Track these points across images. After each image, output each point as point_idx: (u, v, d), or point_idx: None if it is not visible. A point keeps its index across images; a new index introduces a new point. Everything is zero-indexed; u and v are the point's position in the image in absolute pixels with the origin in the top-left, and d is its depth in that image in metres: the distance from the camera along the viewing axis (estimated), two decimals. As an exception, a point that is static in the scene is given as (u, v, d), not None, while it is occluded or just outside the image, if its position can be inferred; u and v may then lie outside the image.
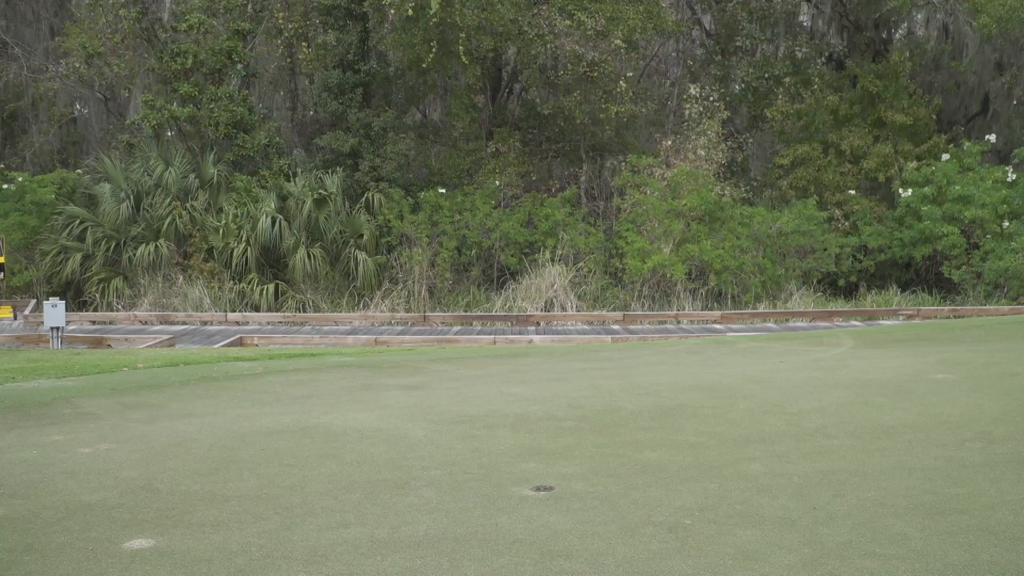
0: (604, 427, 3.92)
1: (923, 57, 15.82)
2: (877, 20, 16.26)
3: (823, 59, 16.34)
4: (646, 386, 4.98)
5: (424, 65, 13.15)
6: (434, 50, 12.62)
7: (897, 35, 17.35)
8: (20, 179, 14.27)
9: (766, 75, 16.05)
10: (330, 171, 14.21)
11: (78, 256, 13.68)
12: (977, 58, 15.58)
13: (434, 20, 12.14)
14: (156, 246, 13.55)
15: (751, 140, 17.12)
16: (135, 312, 12.70)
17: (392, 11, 11.98)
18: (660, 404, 4.40)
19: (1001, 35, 14.38)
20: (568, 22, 13.31)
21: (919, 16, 17.10)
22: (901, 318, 12.04)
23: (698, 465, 3.27)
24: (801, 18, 17.71)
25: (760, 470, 3.18)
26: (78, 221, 13.96)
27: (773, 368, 5.76)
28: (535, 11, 13.56)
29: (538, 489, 2.98)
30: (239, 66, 14.99)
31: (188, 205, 13.87)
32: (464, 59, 12.61)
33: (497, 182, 14.20)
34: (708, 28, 17.78)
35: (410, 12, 11.87)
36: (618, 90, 14.01)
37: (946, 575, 2.20)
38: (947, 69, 16.40)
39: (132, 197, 13.90)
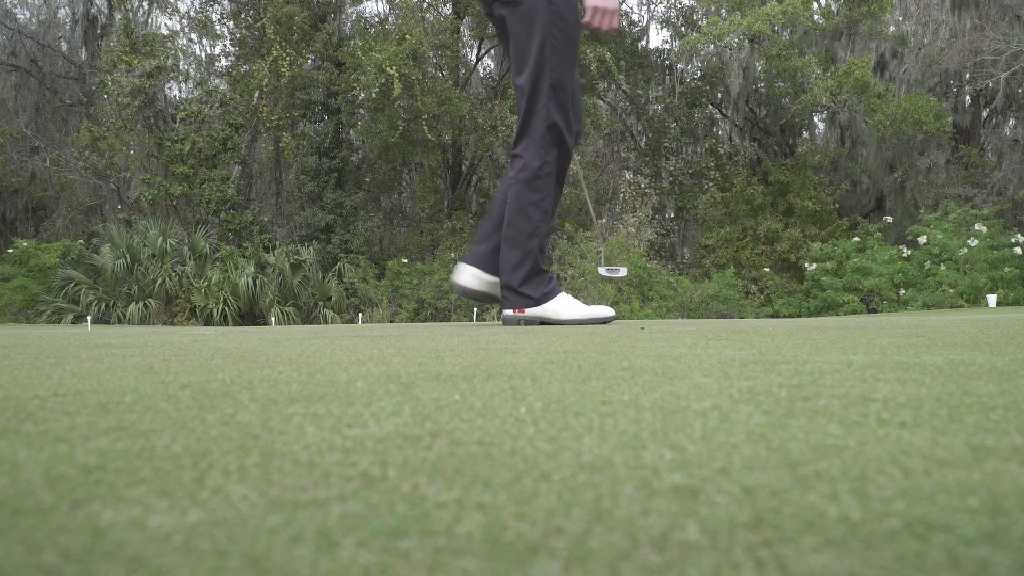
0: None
1: (825, 157, 16.01)
2: (783, 126, 16.52)
3: (739, 157, 16.52)
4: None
5: (392, 140, 13.05)
6: (401, 128, 12.55)
7: (802, 137, 17.64)
8: (24, 244, 13.76)
9: (691, 171, 16.15)
10: (306, 244, 13.92)
11: (70, 316, 13.07)
12: (873, 158, 15.77)
13: (398, 103, 12.09)
14: (145, 304, 13.01)
15: (678, 228, 17.11)
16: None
17: (362, 93, 11.93)
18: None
19: (895, 135, 14.59)
20: (517, 116, 13.32)
21: (819, 121, 17.42)
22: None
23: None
24: (716, 130, 17.99)
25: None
26: (73, 284, 13.43)
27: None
28: (488, 106, 13.60)
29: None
30: (231, 153, 14.87)
31: (176, 269, 13.44)
32: (428, 135, 12.51)
33: (453, 255, 13.91)
34: (637, 132, 17.98)
35: (374, 95, 11.80)
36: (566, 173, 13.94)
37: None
38: (844, 170, 16.58)
39: (127, 257, 13.46)
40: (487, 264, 3.20)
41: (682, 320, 6.48)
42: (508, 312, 3.18)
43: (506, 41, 3.14)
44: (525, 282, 3.11)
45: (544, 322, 3.14)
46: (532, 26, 2.96)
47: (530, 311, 3.14)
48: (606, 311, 3.21)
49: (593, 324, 3.14)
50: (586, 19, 3.00)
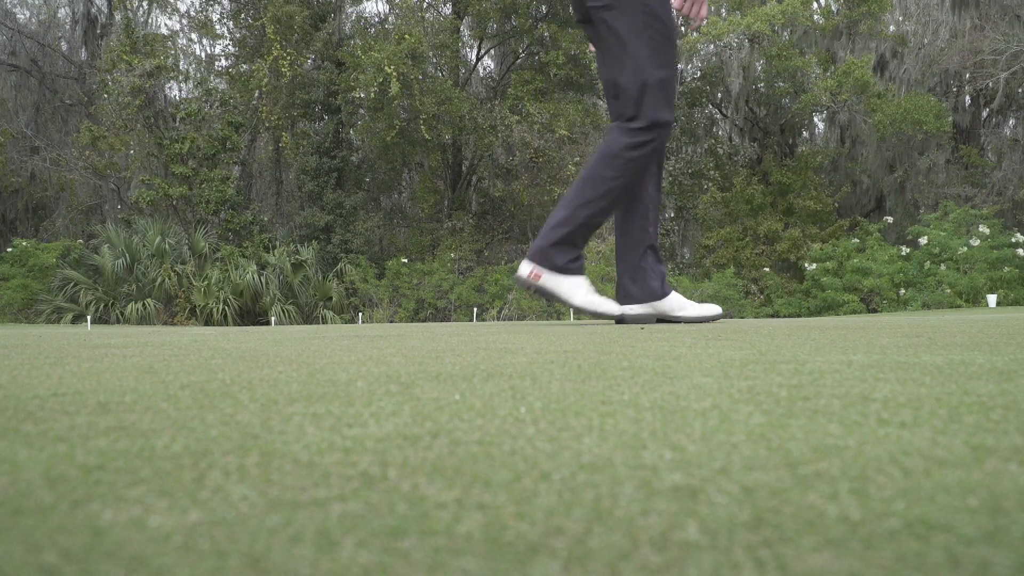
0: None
1: (825, 156, 16.02)
2: (783, 126, 16.52)
3: (739, 156, 16.53)
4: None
5: (389, 139, 13.04)
6: (397, 127, 12.55)
7: (802, 137, 17.65)
8: (24, 244, 13.76)
9: (690, 171, 16.15)
10: (306, 244, 13.93)
11: (69, 316, 13.07)
12: (873, 158, 15.76)
13: (396, 103, 12.10)
14: (144, 304, 13.01)
15: (678, 228, 17.12)
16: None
17: (362, 94, 11.94)
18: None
19: (895, 135, 14.59)
20: (517, 117, 13.33)
21: (819, 121, 17.42)
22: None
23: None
24: (716, 129, 18.00)
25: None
26: (72, 283, 13.43)
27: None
28: (489, 106, 13.60)
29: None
30: (231, 153, 14.87)
31: (176, 268, 13.45)
32: (426, 135, 12.51)
33: (453, 255, 13.92)
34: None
35: (373, 95, 11.80)
36: (567, 172, 13.98)
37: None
38: (844, 170, 16.59)
39: (127, 256, 13.47)
40: (638, 293, 3.22)
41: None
42: (523, 273, 3.08)
43: (598, 42, 3.11)
44: (556, 244, 3.02)
45: (551, 297, 3.08)
46: (631, 27, 2.95)
47: (545, 279, 3.04)
48: (610, 306, 3.21)
49: (596, 318, 3.16)
50: (676, 3, 2.99)
